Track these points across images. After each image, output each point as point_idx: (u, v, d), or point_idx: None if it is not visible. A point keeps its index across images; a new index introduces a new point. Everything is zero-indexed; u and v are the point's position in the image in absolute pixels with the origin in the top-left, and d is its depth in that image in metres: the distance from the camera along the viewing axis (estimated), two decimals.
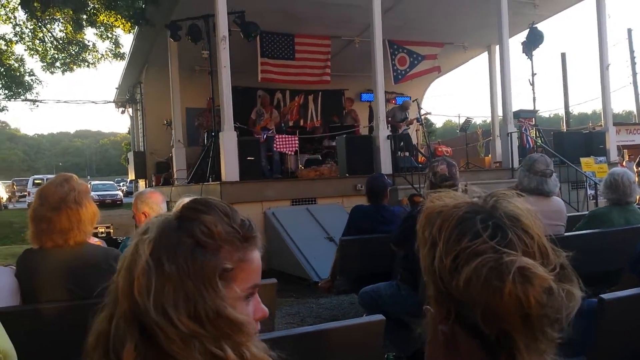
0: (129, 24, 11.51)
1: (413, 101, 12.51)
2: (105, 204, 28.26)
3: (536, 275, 0.79)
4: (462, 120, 14.42)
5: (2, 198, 32.62)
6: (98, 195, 29.13)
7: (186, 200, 0.97)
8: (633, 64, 24.19)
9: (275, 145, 10.25)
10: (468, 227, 0.85)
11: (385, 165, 9.14)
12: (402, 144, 10.77)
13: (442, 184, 3.67)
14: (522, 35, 11.94)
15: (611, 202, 3.92)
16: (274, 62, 12.12)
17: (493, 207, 0.87)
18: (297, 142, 10.33)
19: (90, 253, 2.38)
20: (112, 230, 6.89)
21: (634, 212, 3.93)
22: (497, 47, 11.59)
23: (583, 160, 9.81)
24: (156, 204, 3.24)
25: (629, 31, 24.44)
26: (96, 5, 11.13)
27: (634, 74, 24.13)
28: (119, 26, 11.81)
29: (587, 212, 4.73)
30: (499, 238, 0.82)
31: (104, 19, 11.58)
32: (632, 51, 24.19)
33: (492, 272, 0.79)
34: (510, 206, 0.87)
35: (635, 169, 14.12)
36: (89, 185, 2.76)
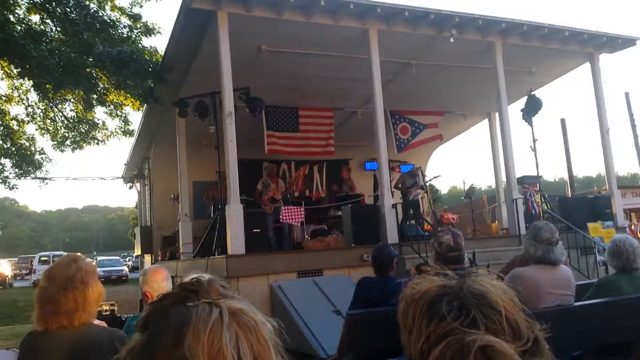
0: (138, 103, 11.86)
1: (417, 168, 12.64)
2: (110, 280, 28.18)
3: (499, 353, 0.78)
4: (467, 187, 14.50)
5: (8, 276, 32.48)
6: (104, 272, 29.10)
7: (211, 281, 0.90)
8: (633, 126, 24.45)
9: (281, 216, 10.29)
10: (435, 311, 0.87)
11: (392, 235, 9.12)
12: (411, 211, 10.78)
13: (447, 254, 3.66)
14: (522, 102, 12.20)
15: (617, 269, 3.87)
16: (279, 134, 12.40)
17: (460, 287, 0.89)
18: (303, 213, 10.37)
19: (95, 335, 2.36)
20: (116, 308, 6.81)
21: None
22: (497, 114, 11.83)
23: (590, 225, 9.76)
24: (156, 283, 3.20)
25: (627, 95, 24.89)
26: (106, 86, 11.51)
27: (636, 137, 24.35)
28: (128, 104, 12.17)
29: (595, 281, 4.66)
30: (462, 318, 0.83)
31: (113, 98, 11.94)
32: (631, 114, 24.51)
33: (456, 354, 0.80)
34: (475, 284, 0.89)
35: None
36: (95, 264, 2.77)
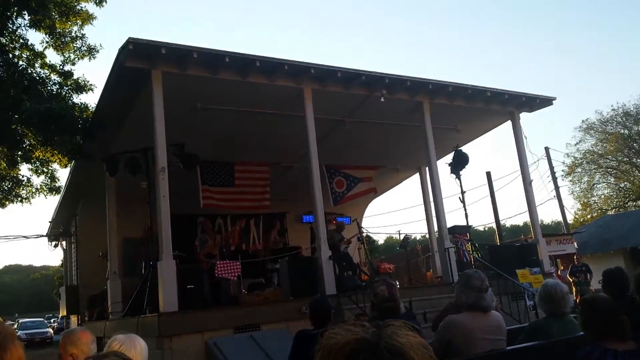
0: (66, 159, 11.48)
1: (353, 221, 12.81)
2: (34, 343, 26.39)
3: None
4: (401, 237, 14.79)
5: None
6: (26, 334, 27.31)
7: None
8: (554, 179, 25.93)
9: (216, 271, 10.05)
10: None
11: (329, 286, 9.11)
12: (344, 263, 10.85)
13: (383, 305, 3.70)
14: (451, 156, 12.73)
15: (548, 313, 4.02)
16: (214, 189, 12.29)
17: (376, 343, 0.89)
18: (239, 267, 10.18)
19: None
20: None
21: (571, 322, 4.01)
22: (427, 168, 12.27)
23: (519, 272, 10.14)
24: (85, 345, 3.04)
25: (547, 149, 26.45)
26: (32, 142, 11.10)
27: (557, 188, 25.79)
28: (55, 161, 11.74)
29: (526, 325, 4.81)
30: None
31: (40, 155, 11.50)
32: (552, 167, 26.03)
33: None
34: (392, 340, 0.89)
35: (570, 279, 14.65)
36: (15, 327, 2.61)
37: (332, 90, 10.27)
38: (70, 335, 3.19)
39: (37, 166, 12.12)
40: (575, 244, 20.04)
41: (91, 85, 11.76)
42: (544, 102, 12.80)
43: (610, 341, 2.85)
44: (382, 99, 10.32)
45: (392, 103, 10.85)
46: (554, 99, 12.82)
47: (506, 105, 12.47)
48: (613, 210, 36.21)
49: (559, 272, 16.71)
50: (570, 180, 38.56)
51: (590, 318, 3.03)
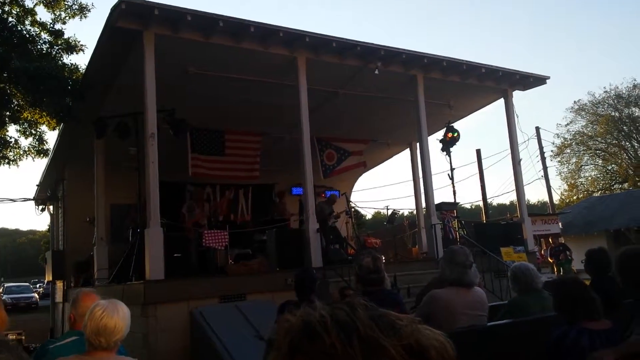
0: (54, 121, 11.32)
1: (342, 194, 12.82)
2: (19, 308, 26.46)
3: None
4: (389, 213, 14.85)
5: None
6: (11, 299, 27.36)
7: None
8: (543, 159, 26.05)
9: (203, 240, 10.07)
10: None
11: (316, 259, 9.16)
12: (331, 237, 10.92)
13: (368, 276, 3.74)
14: (442, 133, 12.75)
15: (521, 292, 4.13)
16: (204, 157, 12.19)
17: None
18: (227, 237, 10.21)
19: None
20: (23, 338, 6.38)
21: (548, 299, 4.10)
22: (418, 144, 12.27)
23: (503, 250, 10.25)
24: (82, 308, 3.06)
25: (537, 129, 26.53)
26: (20, 102, 10.92)
27: (545, 168, 25.94)
28: (43, 123, 11.57)
29: (506, 302, 4.90)
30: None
31: (28, 116, 11.32)
32: (541, 148, 26.12)
33: None
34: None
35: (550, 260, 14.85)
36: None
37: (327, 60, 10.17)
38: (74, 297, 3.24)
39: (25, 127, 11.96)
40: (560, 224, 20.27)
41: (82, 45, 11.52)
42: (538, 80, 12.78)
43: (584, 321, 2.90)
44: (376, 71, 10.24)
45: (386, 76, 10.78)
46: (548, 77, 12.80)
47: (500, 83, 12.44)
48: (599, 192, 36.56)
49: (542, 251, 16.95)
50: (559, 161, 38.82)
51: (561, 300, 3.08)
